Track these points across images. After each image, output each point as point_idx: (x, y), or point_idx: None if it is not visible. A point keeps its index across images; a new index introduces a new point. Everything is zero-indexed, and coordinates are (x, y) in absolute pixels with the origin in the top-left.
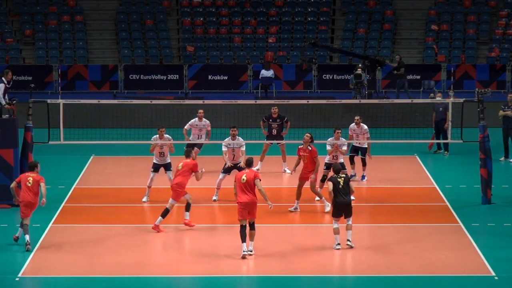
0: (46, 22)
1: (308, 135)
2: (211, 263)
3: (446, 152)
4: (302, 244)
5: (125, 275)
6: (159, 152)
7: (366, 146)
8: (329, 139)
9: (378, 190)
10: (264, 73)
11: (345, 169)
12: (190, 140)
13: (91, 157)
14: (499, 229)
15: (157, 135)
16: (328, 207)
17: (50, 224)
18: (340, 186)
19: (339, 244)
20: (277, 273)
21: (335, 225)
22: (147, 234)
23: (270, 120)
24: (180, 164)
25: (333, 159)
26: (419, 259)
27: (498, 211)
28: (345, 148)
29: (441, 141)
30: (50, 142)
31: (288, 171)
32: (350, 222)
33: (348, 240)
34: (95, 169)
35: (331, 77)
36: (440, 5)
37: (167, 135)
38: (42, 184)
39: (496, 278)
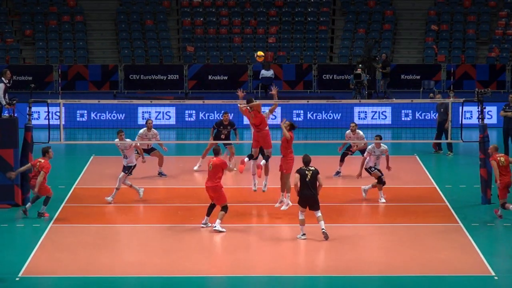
0: (46, 22)
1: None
2: (211, 263)
3: (449, 153)
4: (304, 244)
5: (125, 275)
6: (123, 155)
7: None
8: (369, 147)
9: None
10: (264, 73)
11: (382, 174)
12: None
13: (91, 157)
14: (499, 229)
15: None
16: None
17: (50, 224)
18: (307, 179)
19: (304, 234)
20: (280, 273)
21: (301, 216)
22: (147, 234)
23: (221, 127)
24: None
25: (374, 165)
26: (419, 259)
27: None
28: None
29: (442, 141)
30: (50, 142)
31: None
32: (319, 214)
33: (323, 229)
34: (95, 169)
35: (331, 77)
36: (440, 5)
37: (128, 139)
38: (41, 173)
39: (496, 278)
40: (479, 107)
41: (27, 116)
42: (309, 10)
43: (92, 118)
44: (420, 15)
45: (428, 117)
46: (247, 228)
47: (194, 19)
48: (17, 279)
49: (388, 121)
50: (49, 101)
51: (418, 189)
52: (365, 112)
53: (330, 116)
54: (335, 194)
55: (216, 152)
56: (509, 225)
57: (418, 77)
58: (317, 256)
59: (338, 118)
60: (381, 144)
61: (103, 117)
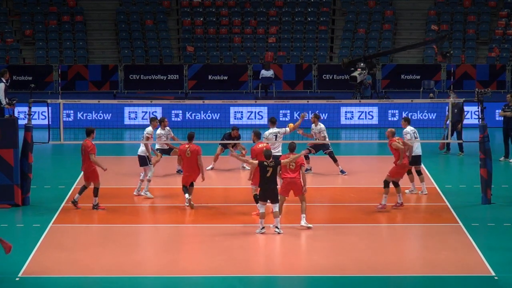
0: (46, 22)
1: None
2: (211, 263)
3: (460, 153)
4: (304, 244)
5: (125, 275)
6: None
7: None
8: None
9: (378, 190)
10: (264, 73)
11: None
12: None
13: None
14: (499, 229)
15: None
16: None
17: (50, 224)
18: (268, 174)
19: (263, 228)
20: (280, 273)
21: (262, 210)
22: (147, 234)
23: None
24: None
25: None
26: (419, 259)
27: (498, 211)
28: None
29: (442, 141)
30: (50, 142)
31: (247, 167)
32: (276, 209)
33: (276, 227)
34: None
35: (331, 77)
36: (440, 5)
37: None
38: (92, 157)
39: (496, 278)
40: (479, 107)
41: (27, 116)
42: (309, 10)
43: (78, 118)
44: (420, 15)
45: (415, 117)
46: (247, 228)
47: (194, 19)
48: (17, 279)
49: (375, 121)
50: (49, 101)
51: (418, 189)
52: (352, 112)
53: None
54: (333, 194)
55: (190, 138)
56: (509, 225)
57: (418, 77)
58: (316, 256)
59: (325, 118)
60: (408, 126)
61: (89, 117)
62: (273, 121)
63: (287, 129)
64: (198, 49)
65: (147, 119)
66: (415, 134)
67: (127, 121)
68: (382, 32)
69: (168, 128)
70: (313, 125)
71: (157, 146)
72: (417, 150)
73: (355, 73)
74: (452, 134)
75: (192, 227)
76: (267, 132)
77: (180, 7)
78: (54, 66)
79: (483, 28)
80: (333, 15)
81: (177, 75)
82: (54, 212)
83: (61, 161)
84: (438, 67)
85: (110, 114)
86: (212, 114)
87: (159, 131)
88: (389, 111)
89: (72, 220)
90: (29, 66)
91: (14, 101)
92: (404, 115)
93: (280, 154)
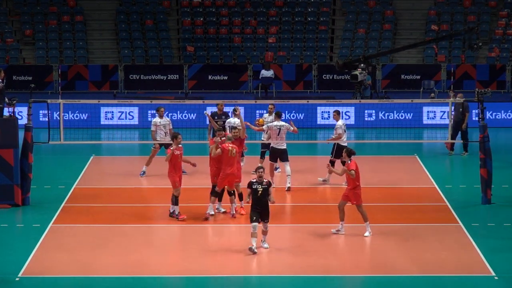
0: (46, 22)
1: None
2: (211, 263)
3: (464, 152)
4: (304, 244)
5: (125, 275)
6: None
7: (285, 147)
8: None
9: (378, 190)
10: (264, 73)
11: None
12: (158, 140)
13: (91, 157)
14: (499, 229)
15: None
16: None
17: (50, 224)
18: (259, 194)
19: (253, 246)
20: (280, 273)
21: (253, 230)
22: (148, 234)
23: (216, 118)
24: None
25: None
26: (419, 259)
27: (498, 211)
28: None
29: (440, 141)
30: (50, 142)
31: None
32: (266, 230)
33: (262, 246)
34: (95, 169)
35: (331, 77)
36: (440, 5)
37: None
38: (167, 155)
39: (496, 278)
40: (479, 107)
41: (27, 116)
42: (309, 10)
43: (55, 118)
44: (420, 15)
45: (391, 117)
46: (246, 228)
47: (194, 19)
48: (17, 279)
49: (351, 121)
50: (49, 101)
51: (418, 189)
52: (328, 112)
53: (293, 116)
54: (332, 194)
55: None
56: (509, 225)
57: (418, 77)
58: (316, 256)
59: (301, 118)
60: (340, 120)
61: (66, 117)
62: (278, 115)
63: (292, 127)
64: (198, 49)
65: (123, 119)
66: (344, 127)
67: (103, 121)
68: (382, 32)
69: (167, 119)
70: (266, 115)
71: (158, 138)
72: (344, 143)
73: (356, 72)
74: (456, 134)
75: (192, 227)
76: (272, 124)
77: (180, 7)
78: (54, 66)
79: (483, 28)
80: (333, 15)
81: (177, 75)
82: (54, 212)
83: (61, 161)
84: (438, 67)
85: (86, 114)
86: (189, 114)
87: (157, 119)
88: (366, 111)
89: (72, 220)
90: (29, 66)
91: (14, 101)
92: (380, 115)
93: (284, 147)
